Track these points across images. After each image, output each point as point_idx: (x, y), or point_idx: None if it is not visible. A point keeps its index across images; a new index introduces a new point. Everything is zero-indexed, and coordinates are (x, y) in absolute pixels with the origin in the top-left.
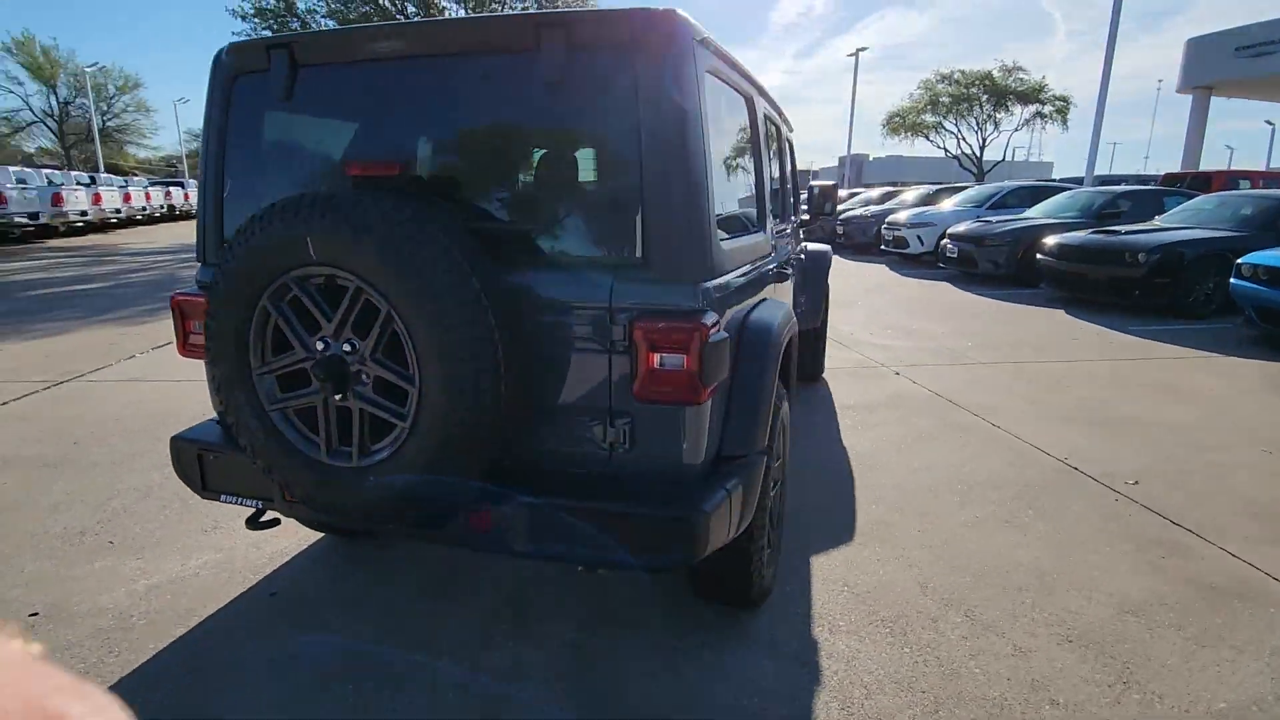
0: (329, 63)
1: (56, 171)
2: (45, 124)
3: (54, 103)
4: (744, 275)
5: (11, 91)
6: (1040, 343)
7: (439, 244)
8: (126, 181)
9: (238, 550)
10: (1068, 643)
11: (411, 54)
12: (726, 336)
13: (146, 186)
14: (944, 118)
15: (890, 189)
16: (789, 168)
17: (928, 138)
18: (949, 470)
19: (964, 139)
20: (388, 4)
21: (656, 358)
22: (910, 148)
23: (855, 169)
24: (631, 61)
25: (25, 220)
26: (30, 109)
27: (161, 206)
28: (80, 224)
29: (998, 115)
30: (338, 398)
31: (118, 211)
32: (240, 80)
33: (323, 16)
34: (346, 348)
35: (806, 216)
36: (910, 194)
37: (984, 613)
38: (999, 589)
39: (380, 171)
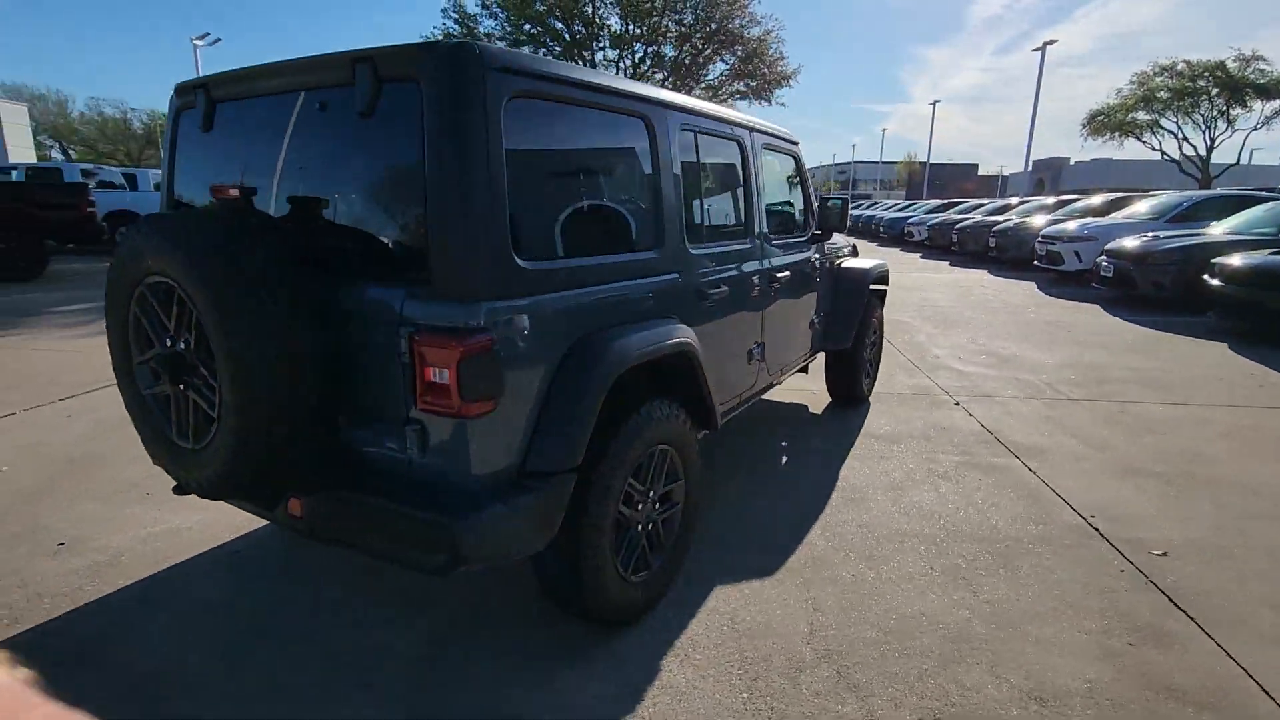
0: (231, 98)
1: None
2: None
3: None
4: (594, 295)
5: None
6: (1167, 380)
7: (233, 257)
8: None
9: (225, 512)
10: None
11: (280, 90)
12: (496, 354)
13: None
14: (1161, 115)
15: (1114, 195)
16: (758, 182)
17: (1139, 138)
18: (935, 515)
19: (1186, 140)
20: (557, 24)
21: (431, 371)
22: (1117, 149)
23: (1052, 174)
24: (422, 92)
25: None
26: None
27: None
28: None
29: (1231, 112)
30: (181, 388)
31: None
32: (183, 113)
33: (499, 39)
34: (181, 346)
35: (819, 231)
36: (1144, 204)
37: (859, 673)
38: (897, 651)
39: (224, 193)
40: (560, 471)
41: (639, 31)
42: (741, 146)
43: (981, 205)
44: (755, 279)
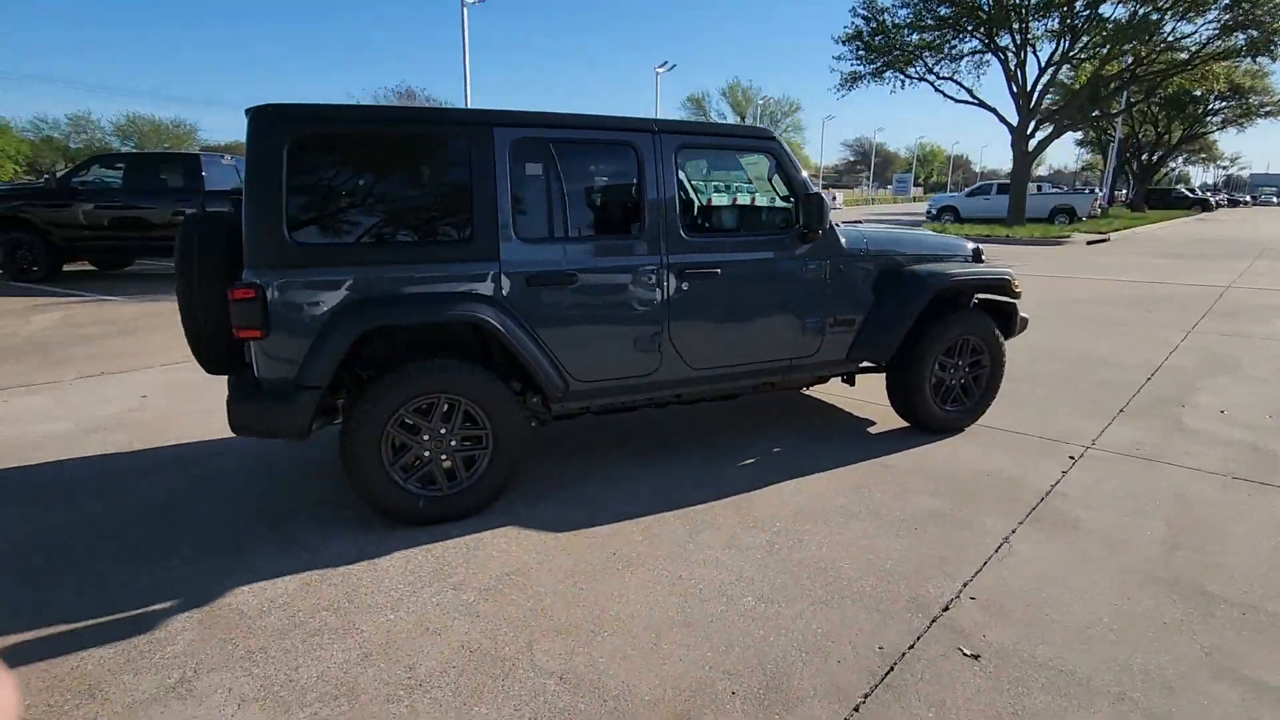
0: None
1: None
2: None
3: None
4: (373, 273)
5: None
6: None
7: (196, 239)
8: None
9: None
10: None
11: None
12: (261, 301)
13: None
14: None
15: None
16: (661, 183)
17: None
18: (822, 561)
19: None
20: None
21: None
22: None
23: None
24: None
25: None
26: None
27: None
28: None
29: None
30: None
31: None
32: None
33: (906, 27)
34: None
35: (807, 229)
36: None
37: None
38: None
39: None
40: (310, 387)
41: None
42: (636, 151)
43: None
44: (646, 273)
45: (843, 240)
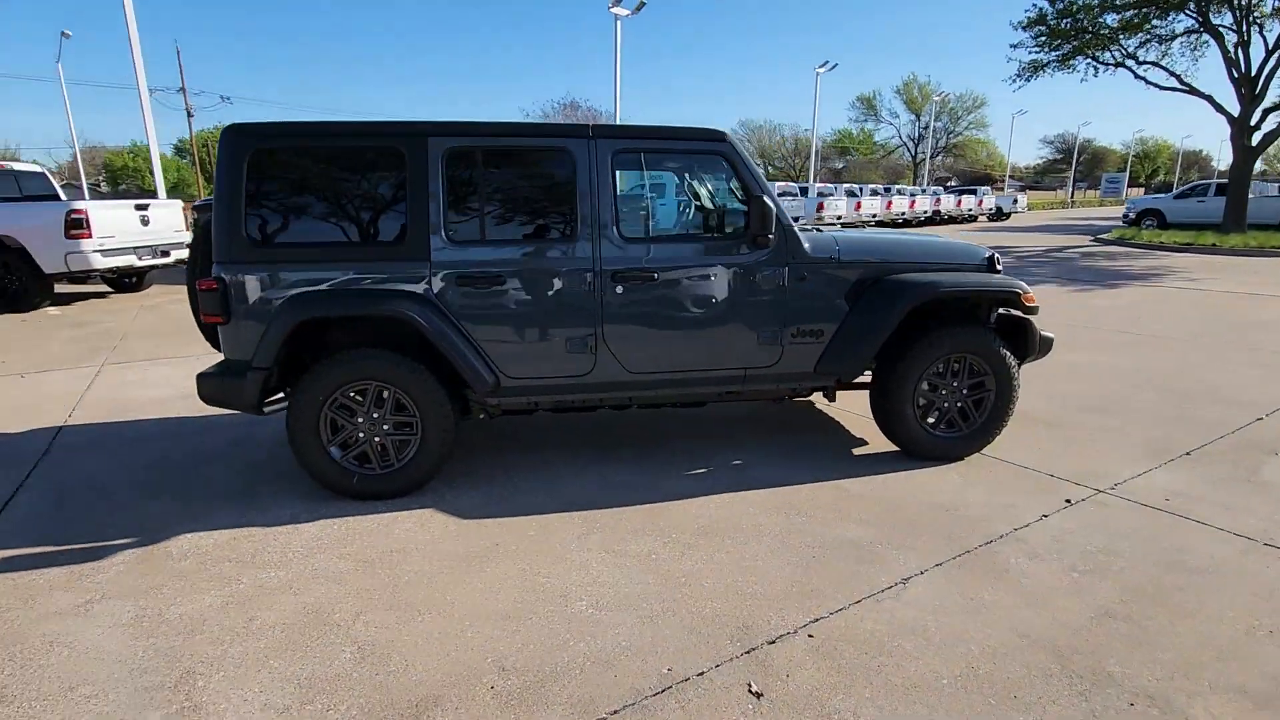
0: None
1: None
2: (906, 147)
3: (916, 128)
4: (312, 270)
5: (890, 124)
6: None
7: (199, 238)
8: (888, 189)
9: None
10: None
11: None
12: (225, 292)
13: (915, 194)
14: None
15: None
16: (595, 188)
17: None
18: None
19: None
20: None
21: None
22: None
23: None
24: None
25: None
26: (899, 136)
27: (926, 212)
28: (838, 224)
29: None
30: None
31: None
32: None
33: (1097, 7)
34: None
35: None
36: None
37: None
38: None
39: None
40: (258, 368)
41: None
42: (571, 156)
43: None
44: (578, 276)
45: (806, 245)
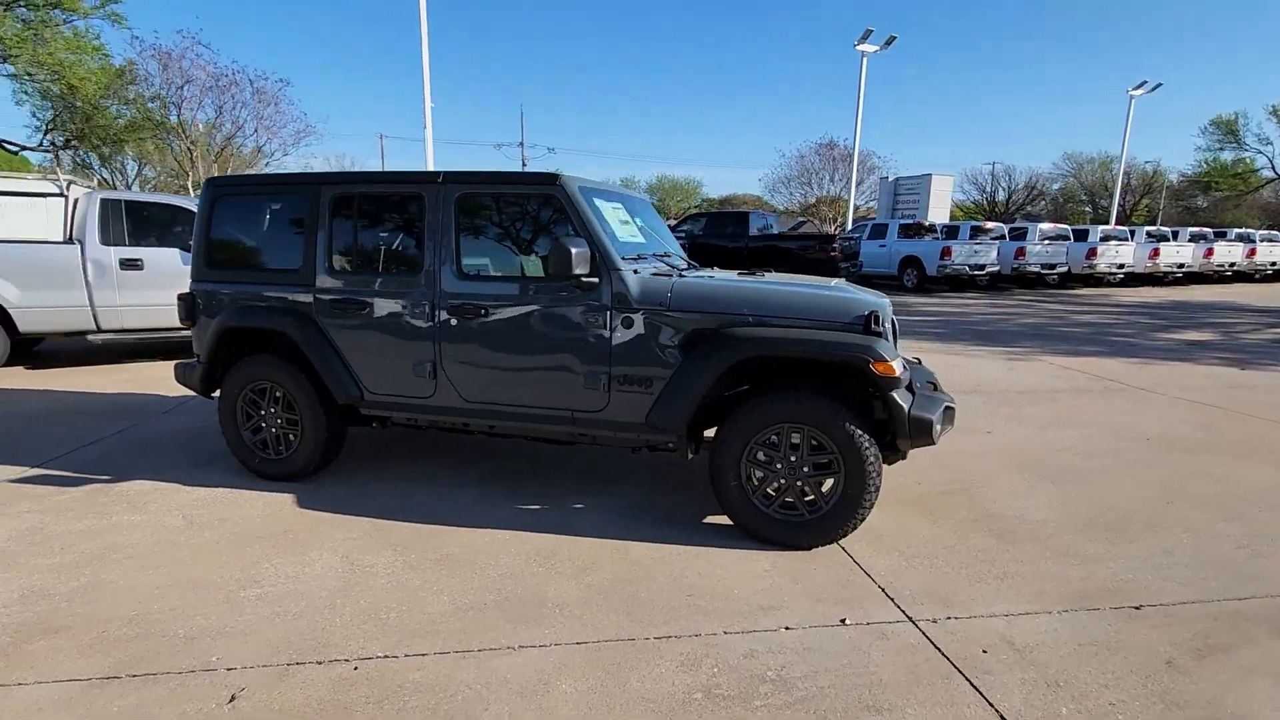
0: None
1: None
2: None
3: None
4: (240, 289)
5: (1260, 152)
6: None
7: None
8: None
9: None
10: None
11: None
12: (194, 303)
13: (1258, 241)
14: None
15: None
16: (440, 227)
17: None
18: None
19: None
20: None
21: None
22: None
23: None
24: None
25: (1042, 270)
26: (1273, 167)
27: (1232, 265)
28: (1119, 275)
29: None
30: None
31: (1178, 266)
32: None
33: None
34: None
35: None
36: None
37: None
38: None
39: None
40: (203, 362)
41: None
42: (424, 199)
43: None
44: (421, 307)
45: (634, 291)
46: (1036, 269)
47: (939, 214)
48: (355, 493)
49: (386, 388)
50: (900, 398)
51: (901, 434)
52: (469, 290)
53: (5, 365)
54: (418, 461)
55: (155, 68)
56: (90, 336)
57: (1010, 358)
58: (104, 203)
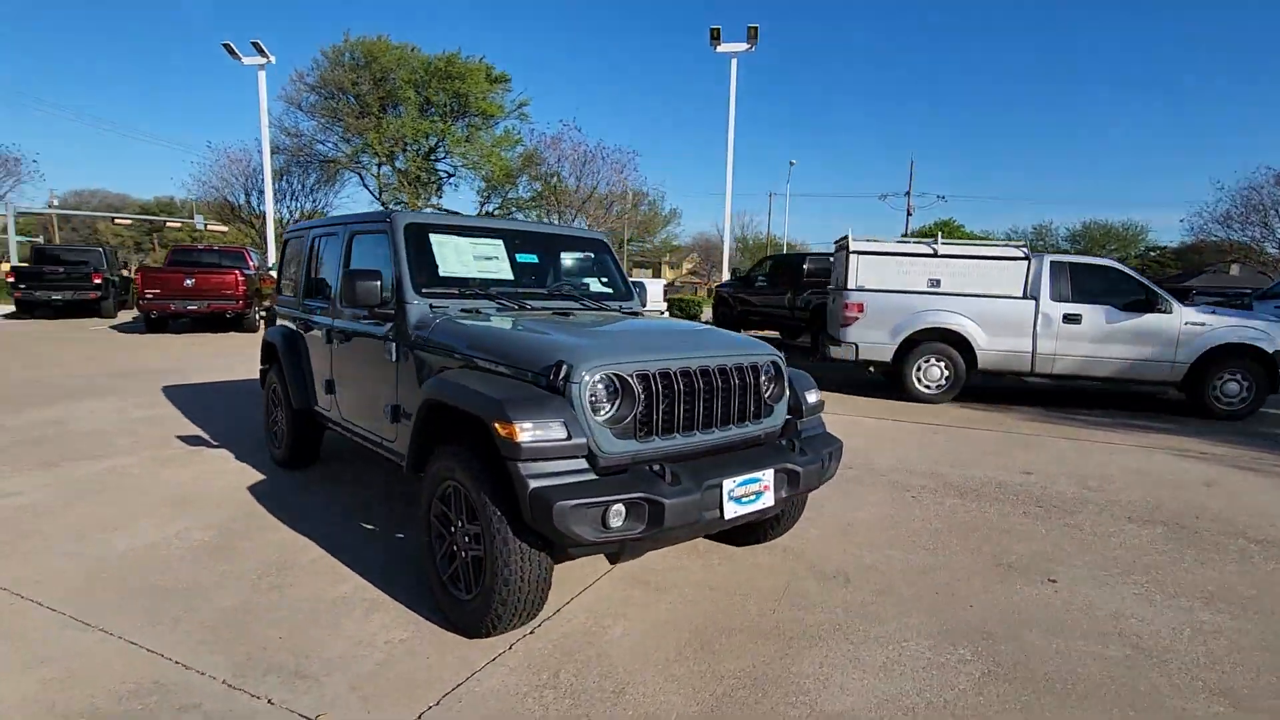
0: None
1: None
2: None
3: None
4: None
5: None
6: None
7: None
8: None
9: None
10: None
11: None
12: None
13: None
14: None
15: None
16: (344, 261)
17: None
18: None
19: None
20: None
21: None
22: None
23: None
24: None
25: None
26: None
27: None
28: None
29: None
30: None
31: None
32: None
33: None
34: None
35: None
36: None
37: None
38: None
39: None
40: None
41: None
42: (340, 237)
43: None
44: (324, 331)
45: (411, 320)
46: None
47: None
48: (302, 479)
49: (319, 401)
50: (524, 470)
51: (524, 513)
52: (348, 316)
53: None
54: (370, 466)
55: (549, 153)
56: (1025, 378)
57: None
58: (1053, 265)
